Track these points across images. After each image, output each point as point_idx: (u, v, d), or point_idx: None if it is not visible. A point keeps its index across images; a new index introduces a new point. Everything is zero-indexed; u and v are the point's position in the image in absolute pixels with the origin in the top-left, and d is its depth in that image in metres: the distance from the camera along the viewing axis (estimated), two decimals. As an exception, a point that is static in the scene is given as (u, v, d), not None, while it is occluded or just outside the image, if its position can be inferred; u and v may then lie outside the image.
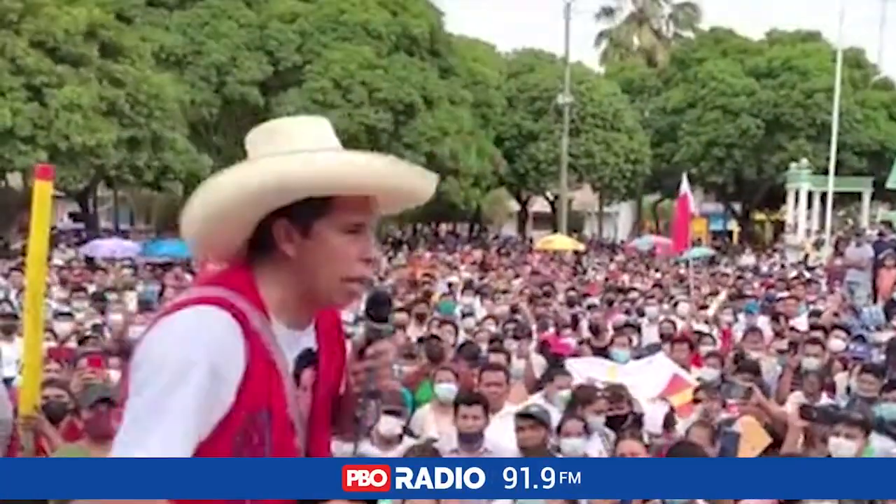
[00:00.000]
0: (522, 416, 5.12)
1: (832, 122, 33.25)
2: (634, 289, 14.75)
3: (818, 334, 8.22)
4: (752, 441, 5.00)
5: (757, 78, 38.21)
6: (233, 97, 29.48)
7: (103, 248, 21.47)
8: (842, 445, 4.72)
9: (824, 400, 6.40)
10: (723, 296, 12.01)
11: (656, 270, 21.35)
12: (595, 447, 5.35)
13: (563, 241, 30.30)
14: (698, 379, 7.11)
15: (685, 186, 11.96)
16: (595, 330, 8.89)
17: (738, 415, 5.68)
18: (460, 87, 33.71)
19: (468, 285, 13.83)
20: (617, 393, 5.93)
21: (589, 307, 11.59)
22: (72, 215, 38.81)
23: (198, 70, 29.51)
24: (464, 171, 33.05)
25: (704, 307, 11.29)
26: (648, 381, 6.83)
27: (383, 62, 30.91)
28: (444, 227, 46.59)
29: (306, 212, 1.79)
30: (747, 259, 29.08)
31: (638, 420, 5.67)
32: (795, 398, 6.48)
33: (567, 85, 34.51)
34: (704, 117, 38.31)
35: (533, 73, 39.05)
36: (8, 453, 4.44)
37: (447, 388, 6.04)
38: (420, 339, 8.81)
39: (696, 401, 6.23)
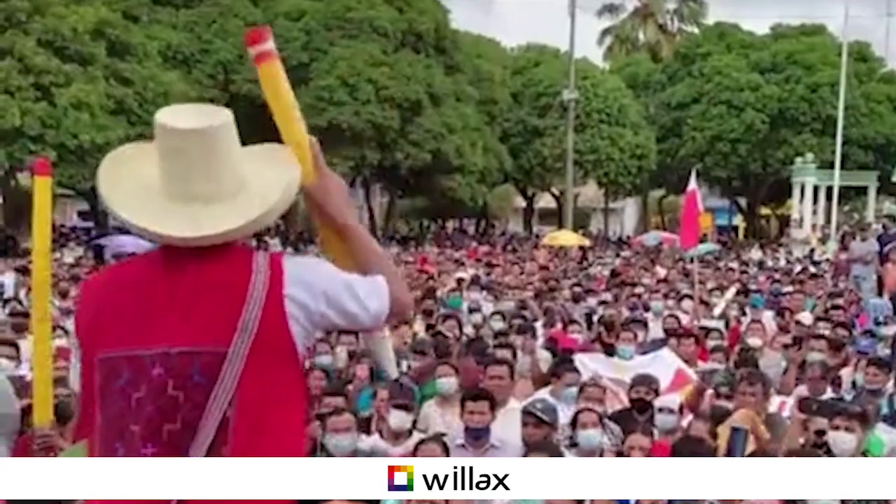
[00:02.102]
0: (527, 413, 5.19)
1: (837, 116, 33.18)
2: (640, 283, 14.75)
3: (844, 332, 8.23)
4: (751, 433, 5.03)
5: (762, 72, 38.16)
6: (240, 95, 29.50)
7: (116, 240, 21.70)
8: (840, 438, 4.65)
9: (829, 395, 6.44)
10: (731, 293, 11.93)
11: (661, 265, 21.29)
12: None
13: (568, 237, 30.31)
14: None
15: (693, 182, 11.93)
16: (609, 325, 8.87)
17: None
18: (466, 83, 33.75)
19: (475, 281, 13.83)
20: (648, 379, 6.10)
21: (601, 303, 11.59)
22: (81, 213, 38.98)
23: (205, 68, 29.60)
24: (469, 167, 33.13)
25: (706, 303, 11.25)
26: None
27: (389, 59, 30.94)
28: (450, 224, 46.62)
29: None
30: (755, 254, 29.02)
31: (652, 416, 5.71)
32: (800, 393, 6.51)
33: (572, 81, 34.49)
34: (709, 112, 38.27)
35: (538, 69, 39.06)
36: (15, 448, 4.46)
37: (447, 383, 6.11)
38: (429, 327, 8.84)
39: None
